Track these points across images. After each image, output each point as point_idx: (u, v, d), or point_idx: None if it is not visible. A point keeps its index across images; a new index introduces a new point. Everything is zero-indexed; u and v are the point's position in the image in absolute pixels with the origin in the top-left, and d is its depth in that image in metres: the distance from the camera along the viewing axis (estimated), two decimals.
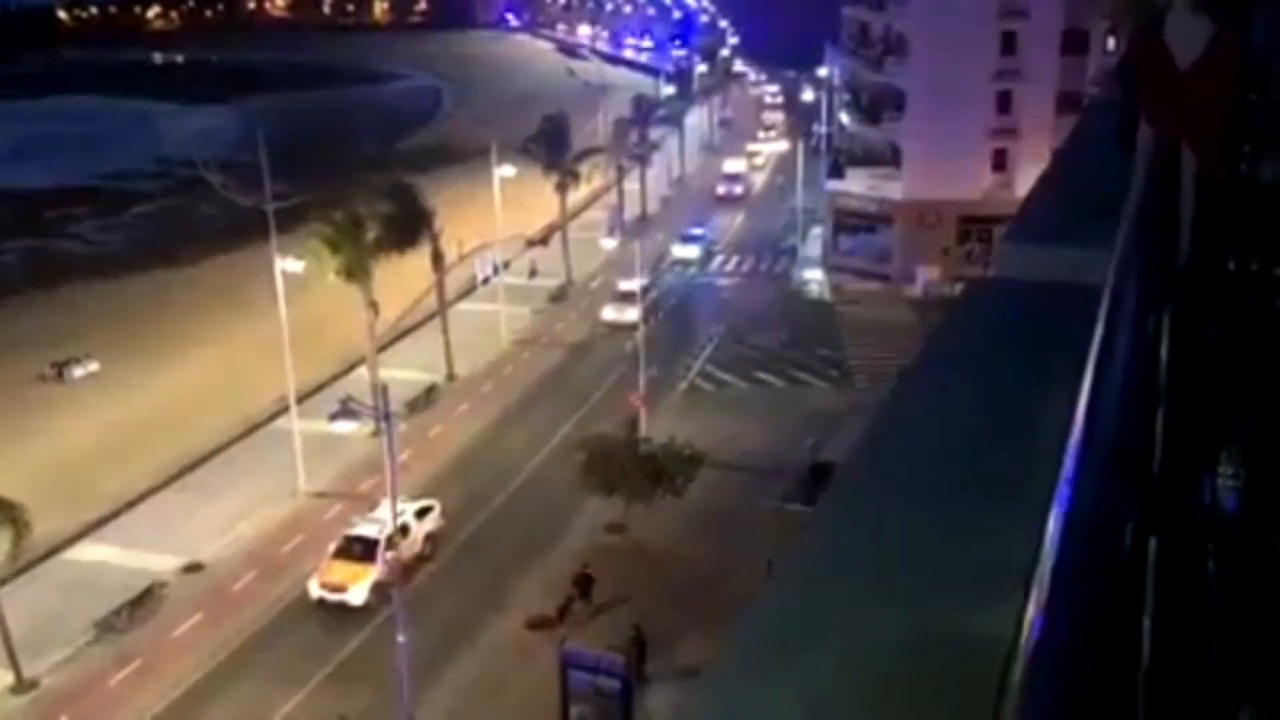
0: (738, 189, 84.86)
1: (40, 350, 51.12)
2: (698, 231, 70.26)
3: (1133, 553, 1.37)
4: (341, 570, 33.14)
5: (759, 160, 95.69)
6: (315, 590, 32.80)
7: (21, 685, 29.59)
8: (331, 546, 33.96)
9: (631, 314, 51.36)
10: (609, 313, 54.35)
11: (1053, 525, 1.40)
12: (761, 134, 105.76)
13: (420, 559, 34.54)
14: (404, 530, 33.59)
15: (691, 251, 67.30)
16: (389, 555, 32.44)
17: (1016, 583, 1.33)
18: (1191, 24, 2.82)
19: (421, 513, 35.43)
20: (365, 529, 34.17)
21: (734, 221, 77.59)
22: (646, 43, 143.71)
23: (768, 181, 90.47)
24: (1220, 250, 2.59)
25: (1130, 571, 1.36)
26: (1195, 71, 2.77)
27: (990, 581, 1.72)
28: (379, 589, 32.20)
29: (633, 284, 53.73)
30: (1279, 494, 1.60)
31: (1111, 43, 49.38)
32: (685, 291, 61.61)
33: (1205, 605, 1.42)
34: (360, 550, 33.44)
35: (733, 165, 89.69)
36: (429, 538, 35.36)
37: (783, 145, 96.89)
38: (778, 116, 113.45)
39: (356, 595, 32.51)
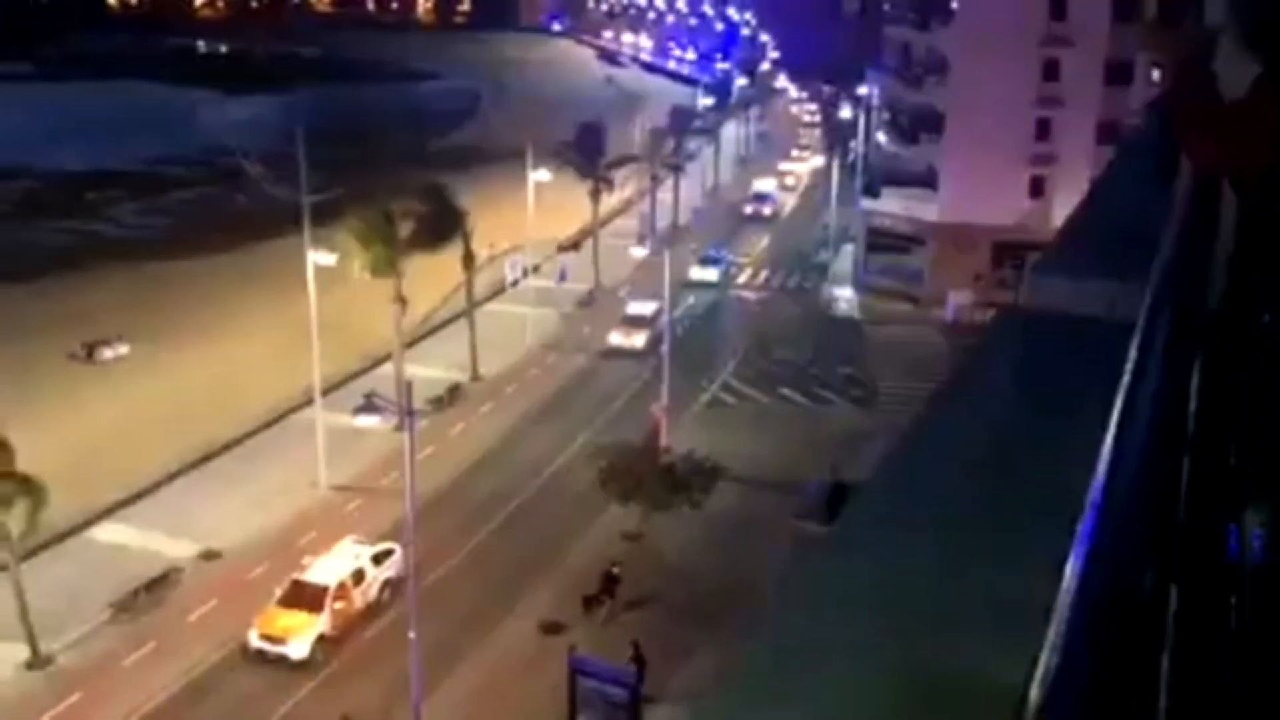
0: (766, 209, 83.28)
1: (72, 330, 51.63)
2: (717, 253, 67.93)
3: (1153, 601, 1.34)
4: (284, 620, 30.31)
5: (790, 181, 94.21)
6: (254, 641, 30.09)
7: (37, 661, 29.85)
8: (277, 591, 31.25)
9: (638, 340, 50.95)
10: (615, 337, 52.57)
11: (1071, 568, 1.36)
12: (795, 153, 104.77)
13: (376, 608, 31.92)
14: (359, 576, 31.78)
15: (710, 274, 64.35)
16: (338, 605, 30.66)
17: (1030, 624, 1.30)
18: (1237, 62, 2.78)
19: (380, 557, 32.65)
20: (316, 574, 31.53)
21: (760, 243, 76.35)
22: (690, 55, 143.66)
23: (799, 203, 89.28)
24: (1257, 293, 2.55)
25: (1149, 620, 1.33)
26: (1238, 110, 2.72)
27: (1002, 621, 1.69)
28: (326, 642, 30.28)
29: (641, 307, 53.02)
30: None
31: (1156, 74, 49.01)
32: (700, 317, 58.88)
33: (1226, 658, 1.38)
34: (307, 597, 30.65)
35: (762, 184, 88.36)
36: (388, 585, 32.33)
37: (816, 163, 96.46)
38: (813, 135, 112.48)
39: (297, 649, 29.80)
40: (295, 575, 31.71)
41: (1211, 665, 1.33)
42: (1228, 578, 1.59)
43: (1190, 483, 1.74)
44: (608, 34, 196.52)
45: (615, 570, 32.02)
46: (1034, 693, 1.15)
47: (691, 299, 61.06)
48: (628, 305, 55.07)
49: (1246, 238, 2.94)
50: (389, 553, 32.90)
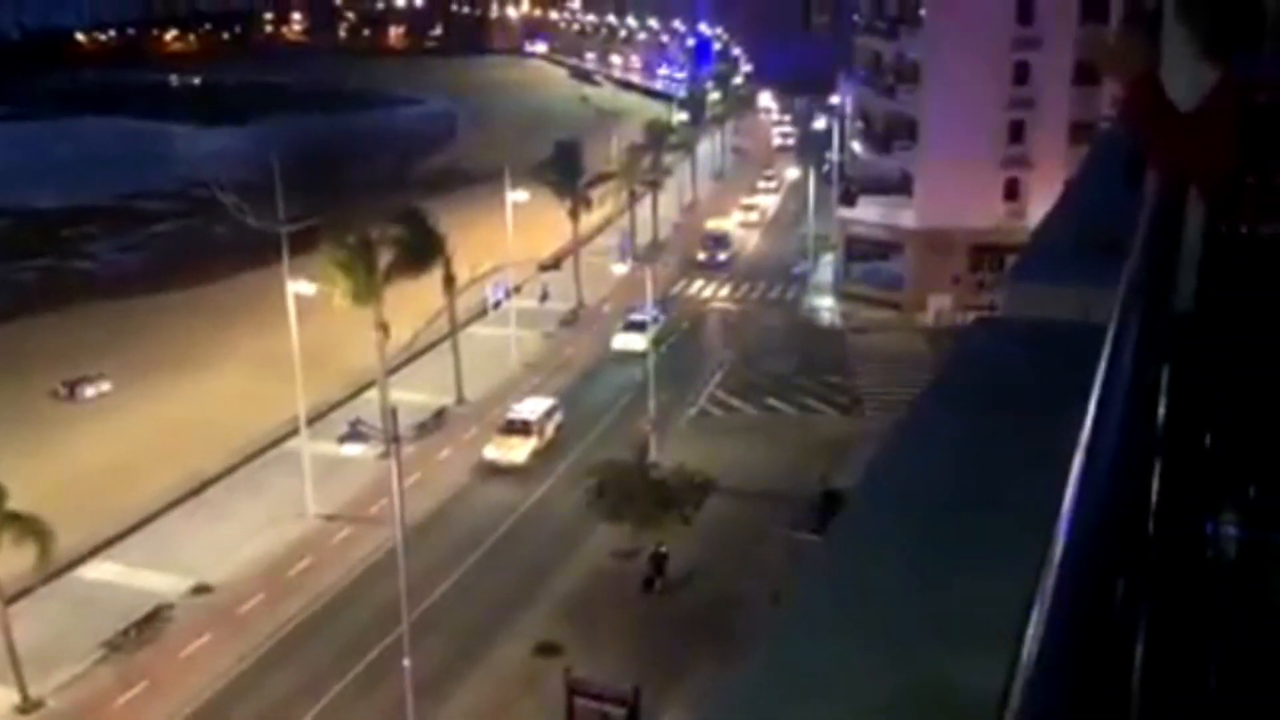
0: (721, 255, 70.96)
1: (53, 369, 51.36)
2: (643, 317, 51.48)
3: (1126, 606, 1.37)
4: None
5: (754, 216, 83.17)
6: None
7: (27, 704, 29.59)
8: None
9: (519, 453, 42.23)
10: (490, 451, 42.73)
11: (1045, 574, 1.40)
12: (762, 183, 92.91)
13: None
14: None
15: (637, 342, 50.87)
16: None
17: (1010, 633, 1.33)
18: (1191, 68, 2.83)
19: None
20: None
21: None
22: (680, 74, 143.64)
23: (765, 239, 78.59)
24: (1224, 295, 2.60)
25: (1123, 625, 1.36)
26: (1198, 116, 2.78)
27: (983, 631, 1.72)
28: None
29: (527, 408, 44.73)
30: (1275, 551, 1.60)
31: None
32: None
33: (1201, 660, 1.41)
34: None
35: (717, 224, 76.34)
36: None
37: (782, 197, 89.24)
38: (782, 166, 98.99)
39: None
40: None
41: (1186, 667, 1.36)
42: (1202, 579, 1.63)
43: (1161, 485, 1.78)
44: (591, 55, 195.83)
45: (663, 550, 33.59)
46: (1011, 702, 1.18)
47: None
48: (511, 407, 45.15)
49: (1212, 239, 3.00)
50: None
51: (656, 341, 50.02)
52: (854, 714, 1.76)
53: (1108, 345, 2.24)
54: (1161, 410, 2.00)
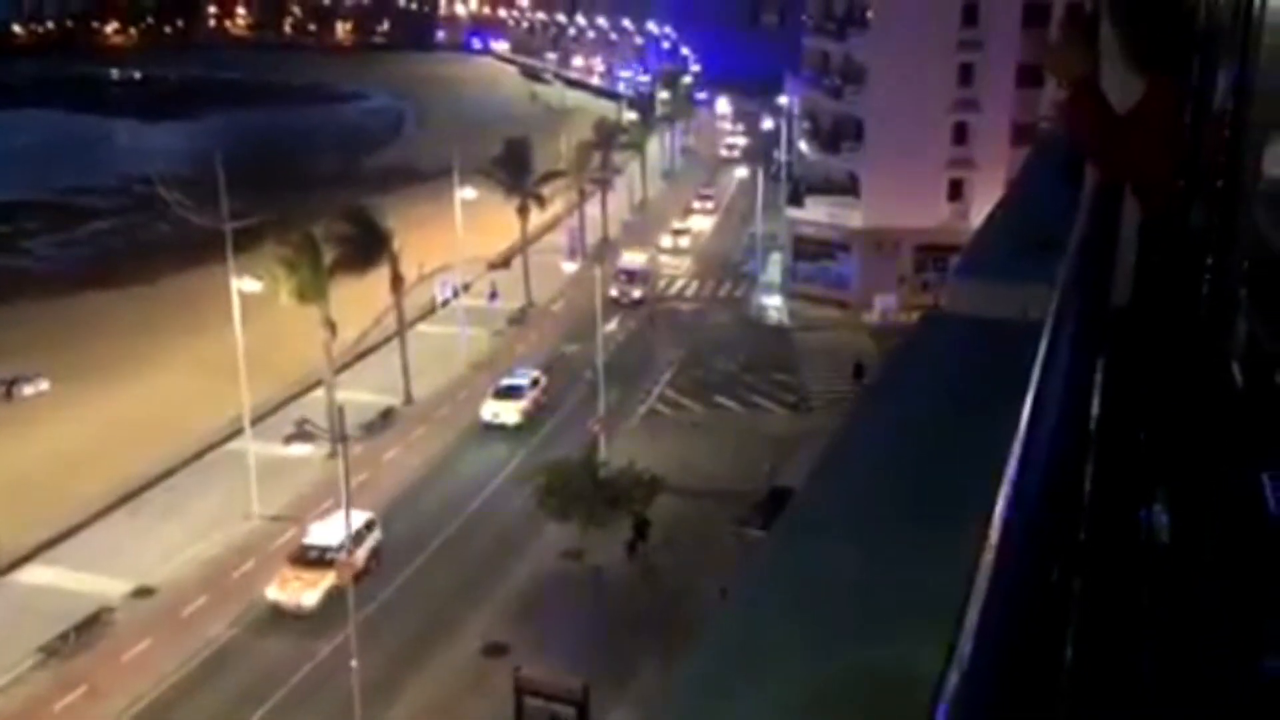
0: (636, 292, 62.21)
1: None
2: (518, 381, 47.21)
3: (1060, 591, 1.41)
4: None
5: (684, 242, 75.10)
6: None
7: None
8: None
9: (309, 596, 32.61)
10: (273, 592, 33.03)
11: (984, 561, 1.44)
12: (697, 203, 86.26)
13: None
14: None
15: (509, 411, 45.42)
16: None
17: (950, 619, 1.37)
18: (1124, 74, 2.91)
19: None
20: None
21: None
22: (644, 76, 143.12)
23: (697, 268, 70.55)
24: (1157, 293, 2.67)
25: (1057, 609, 1.41)
26: (1133, 122, 2.86)
27: (926, 615, 1.76)
28: None
29: (327, 530, 34.01)
30: (1206, 535, 1.66)
31: None
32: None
33: (1131, 642, 1.46)
34: None
35: (632, 259, 66.32)
36: None
37: (719, 216, 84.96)
38: (720, 184, 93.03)
39: None
40: None
41: (1116, 650, 1.41)
42: (1133, 565, 1.68)
43: (1095, 478, 1.84)
44: (552, 56, 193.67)
45: (645, 516, 34.69)
46: (949, 681, 1.22)
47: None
48: (308, 532, 35.12)
49: (1147, 239, 3.08)
50: None
51: (528, 416, 45.22)
52: (797, 700, 1.79)
53: (1044, 340, 2.30)
54: (1096, 402, 2.07)
